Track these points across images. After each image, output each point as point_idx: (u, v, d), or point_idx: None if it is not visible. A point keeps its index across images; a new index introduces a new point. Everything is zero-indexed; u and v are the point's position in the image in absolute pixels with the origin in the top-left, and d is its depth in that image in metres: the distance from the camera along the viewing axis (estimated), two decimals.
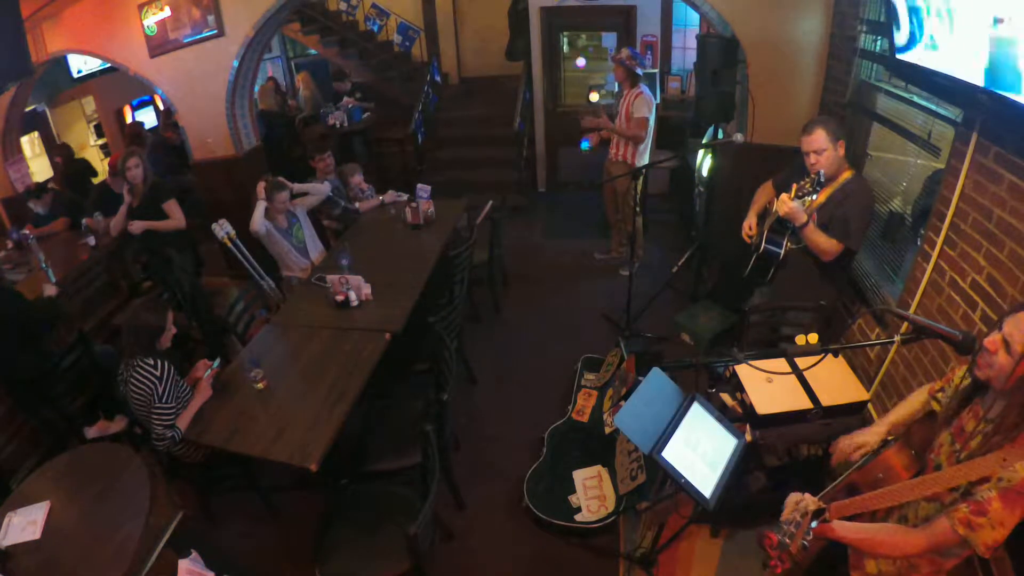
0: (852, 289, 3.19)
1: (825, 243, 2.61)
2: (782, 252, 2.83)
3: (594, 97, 4.87)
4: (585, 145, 4.84)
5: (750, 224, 3.02)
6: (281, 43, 9.48)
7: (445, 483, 2.94)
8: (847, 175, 2.68)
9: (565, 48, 6.59)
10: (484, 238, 4.47)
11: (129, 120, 7.73)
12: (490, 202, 4.73)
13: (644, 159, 4.63)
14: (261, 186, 3.84)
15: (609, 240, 5.36)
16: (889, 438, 1.79)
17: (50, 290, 3.48)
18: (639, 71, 4.52)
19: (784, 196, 2.61)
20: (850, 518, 1.54)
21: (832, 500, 1.56)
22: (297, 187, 4.09)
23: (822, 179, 2.55)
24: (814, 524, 1.45)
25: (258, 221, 3.75)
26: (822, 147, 2.59)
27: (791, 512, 1.48)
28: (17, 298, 3.17)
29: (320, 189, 4.26)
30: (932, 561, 1.53)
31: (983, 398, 1.49)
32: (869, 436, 1.81)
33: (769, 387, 2.31)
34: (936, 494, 1.45)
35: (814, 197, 2.60)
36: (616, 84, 4.75)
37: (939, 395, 1.71)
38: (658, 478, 2.74)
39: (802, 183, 2.57)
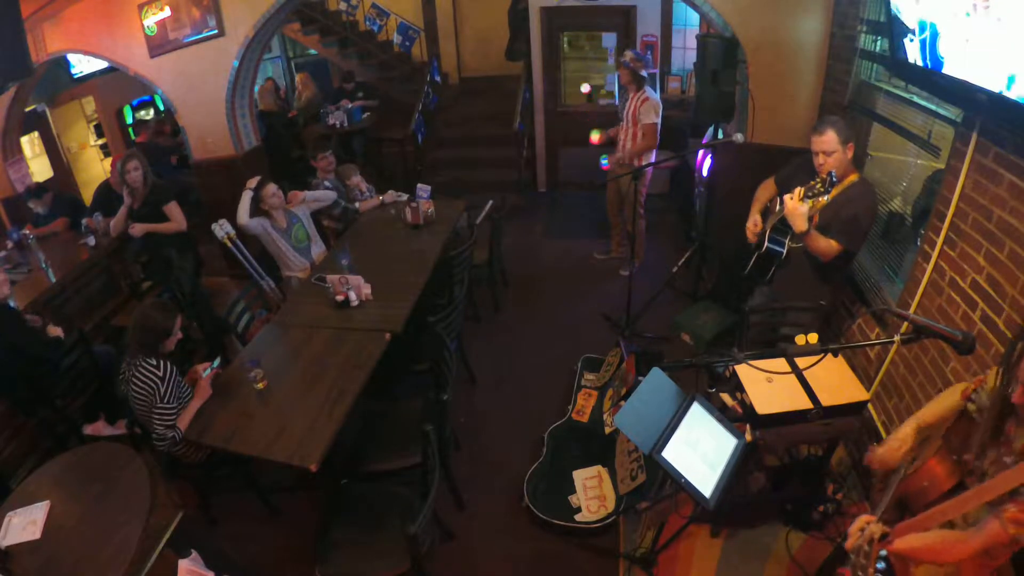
0: (852, 289, 3.19)
1: (824, 246, 2.58)
2: (784, 251, 2.82)
3: (595, 135, 4.85)
4: (605, 162, 4.82)
5: (755, 222, 2.96)
6: (281, 43, 9.48)
7: (445, 483, 2.94)
8: (853, 178, 2.66)
9: (565, 48, 6.58)
10: (484, 238, 4.48)
11: (129, 121, 7.75)
12: (490, 202, 4.72)
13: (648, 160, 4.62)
14: (254, 180, 3.83)
15: (609, 240, 5.36)
16: (925, 439, 1.77)
17: (55, 331, 3.35)
18: (644, 73, 4.49)
19: (788, 195, 2.56)
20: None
21: (885, 515, 1.57)
22: (310, 195, 4.16)
23: (834, 179, 2.47)
24: (883, 552, 1.46)
25: (242, 212, 3.71)
26: (832, 148, 2.55)
27: (856, 540, 1.49)
28: (17, 320, 3.17)
29: (328, 196, 4.31)
30: (980, 564, 1.53)
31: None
32: (904, 435, 1.78)
33: (769, 387, 2.31)
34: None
35: (825, 198, 2.52)
36: (617, 85, 4.72)
37: (973, 396, 1.68)
38: (658, 478, 2.74)
39: (812, 184, 2.50)
